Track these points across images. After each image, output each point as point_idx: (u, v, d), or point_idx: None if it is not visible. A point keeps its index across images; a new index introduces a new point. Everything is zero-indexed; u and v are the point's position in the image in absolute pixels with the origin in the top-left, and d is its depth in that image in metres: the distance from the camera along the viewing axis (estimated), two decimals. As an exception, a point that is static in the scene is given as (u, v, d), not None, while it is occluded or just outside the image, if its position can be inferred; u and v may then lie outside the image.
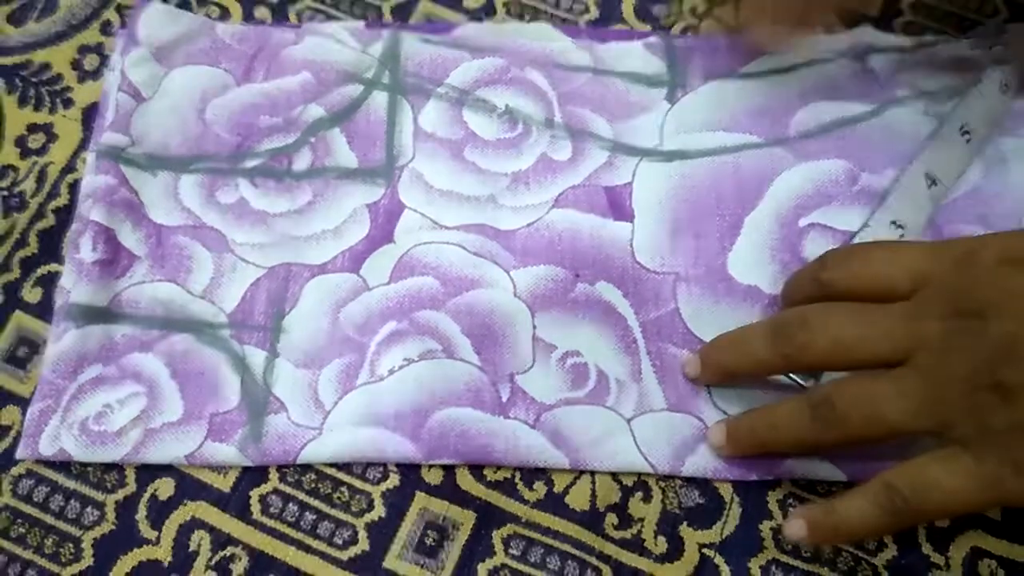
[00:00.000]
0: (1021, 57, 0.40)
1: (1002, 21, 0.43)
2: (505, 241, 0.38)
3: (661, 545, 0.34)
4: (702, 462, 0.35)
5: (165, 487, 0.35)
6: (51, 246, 0.39)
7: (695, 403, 0.36)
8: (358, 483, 0.35)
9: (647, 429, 0.35)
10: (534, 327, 0.37)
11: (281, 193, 0.39)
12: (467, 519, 0.35)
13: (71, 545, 0.34)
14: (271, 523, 0.35)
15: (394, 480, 0.35)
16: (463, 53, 0.42)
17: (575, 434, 0.35)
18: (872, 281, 0.33)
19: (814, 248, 0.37)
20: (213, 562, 0.34)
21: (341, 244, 0.39)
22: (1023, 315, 0.30)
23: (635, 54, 0.42)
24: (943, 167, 0.38)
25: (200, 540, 0.34)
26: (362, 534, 0.34)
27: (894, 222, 0.37)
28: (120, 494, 0.35)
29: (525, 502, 0.35)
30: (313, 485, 0.35)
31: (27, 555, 0.34)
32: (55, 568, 0.34)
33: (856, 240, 0.37)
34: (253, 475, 0.35)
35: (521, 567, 0.34)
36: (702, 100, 0.41)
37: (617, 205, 0.39)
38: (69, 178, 0.40)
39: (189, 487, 0.35)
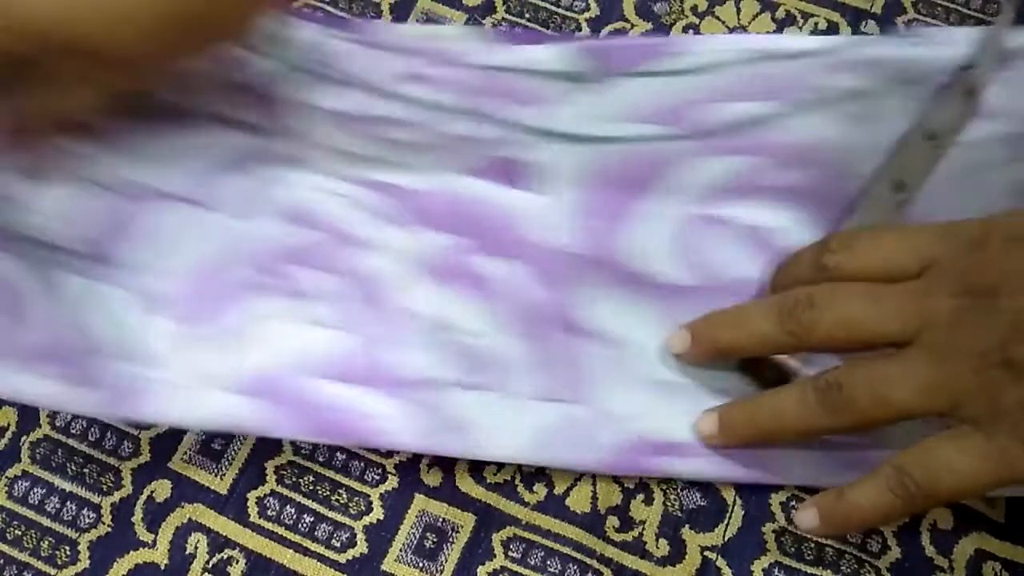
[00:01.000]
0: (987, 61, 0.40)
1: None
2: (406, 203, 0.37)
3: (663, 548, 0.34)
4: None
5: (162, 489, 0.35)
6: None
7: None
8: (356, 485, 0.35)
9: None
10: (425, 298, 0.35)
11: None
12: (467, 521, 0.34)
13: (67, 548, 0.34)
14: (269, 525, 0.34)
15: (393, 482, 0.35)
16: (377, 51, 0.40)
17: (467, 421, 0.34)
18: (881, 264, 0.32)
19: (722, 243, 0.37)
20: (210, 565, 0.34)
21: (215, 180, 0.36)
22: None
23: (549, 53, 0.41)
24: (910, 173, 0.38)
25: (197, 542, 0.34)
26: (360, 536, 0.34)
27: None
28: (116, 496, 0.35)
29: (525, 504, 0.35)
30: (311, 487, 0.35)
31: (23, 558, 0.34)
32: (51, 571, 0.34)
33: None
34: (250, 477, 0.35)
35: (521, 570, 0.34)
36: (617, 95, 0.40)
37: (526, 182, 0.38)
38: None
39: (186, 489, 0.35)
